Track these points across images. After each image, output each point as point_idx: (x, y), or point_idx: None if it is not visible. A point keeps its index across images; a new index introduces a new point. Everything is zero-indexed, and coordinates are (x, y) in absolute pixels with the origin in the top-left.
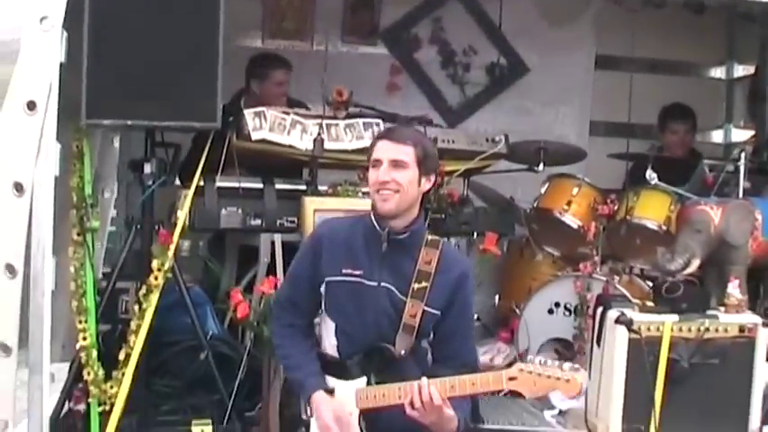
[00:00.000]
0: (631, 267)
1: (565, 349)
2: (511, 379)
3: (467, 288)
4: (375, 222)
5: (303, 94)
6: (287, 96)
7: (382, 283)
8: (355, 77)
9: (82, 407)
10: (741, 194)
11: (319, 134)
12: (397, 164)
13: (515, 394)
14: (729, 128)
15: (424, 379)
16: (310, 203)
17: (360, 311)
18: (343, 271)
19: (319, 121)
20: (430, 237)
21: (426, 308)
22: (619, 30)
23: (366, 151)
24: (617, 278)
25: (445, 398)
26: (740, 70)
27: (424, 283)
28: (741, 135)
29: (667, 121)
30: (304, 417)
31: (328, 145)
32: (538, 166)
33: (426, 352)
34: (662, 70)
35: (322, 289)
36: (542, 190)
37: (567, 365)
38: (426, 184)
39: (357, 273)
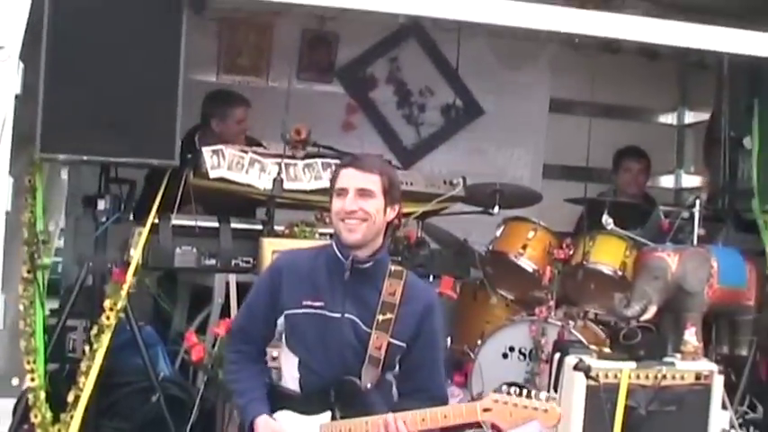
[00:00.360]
0: (586, 312)
1: None
2: (485, 410)
3: (433, 319)
4: (338, 251)
5: (257, 131)
6: (245, 135)
7: (346, 315)
8: (311, 115)
9: None
10: (695, 241)
11: (279, 174)
12: (363, 193)
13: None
14: (680, 173)
15: (391, 414)
16: (269, 245)
17: (323, 344)
18: (304, 303)
19: (278, 160)
20: (393, 267)
21: (392, 340)
22: (574, 74)
23: (325, 192)
24: (572, 323)
25: None
26: (691, 116)
27: (388, 315)
28: (691, 181)
29: (622, 160)
30: None
31: (287, 185)
32: (493, 208)
33: (391, 385)
34: (615, 115)
35: (280, 321)
36: (497, 233)
37: (543, 395)
38: (391, 214)
39: (318, 304)
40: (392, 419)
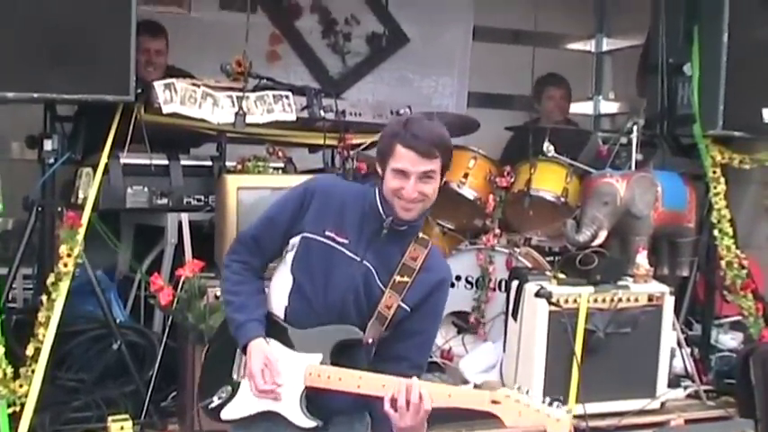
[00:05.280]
0: (528, 239)
1: (462, 322)
2: (494, 402)
3: (442, 293)
4: (380, 206)
5: (181, 63)
6: (164, 66)
7: (365, 261)
8: (234, 46)
9: None
10: (634, 166)
11: (240, 108)
12: (424, 176)
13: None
14: (599, 99)
15: (415, 379)
16: (233, 181)
17: (328, 277)
18: (326, 233)
19: (230, 93)
20: (420, 234)
21: (401, 303)
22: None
23: (275, 125)
24: (517, 250)
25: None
26: (608, 44)
27: (405, 278)
28: (609, 107)
29: (544, 87)
30: (234, 376)
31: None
32: None
33: (372, 350)
34: (535, 42)
35: (294, 240)
36: None
37: (554, 403)
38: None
39: (340, 240)
40: (416, 385)
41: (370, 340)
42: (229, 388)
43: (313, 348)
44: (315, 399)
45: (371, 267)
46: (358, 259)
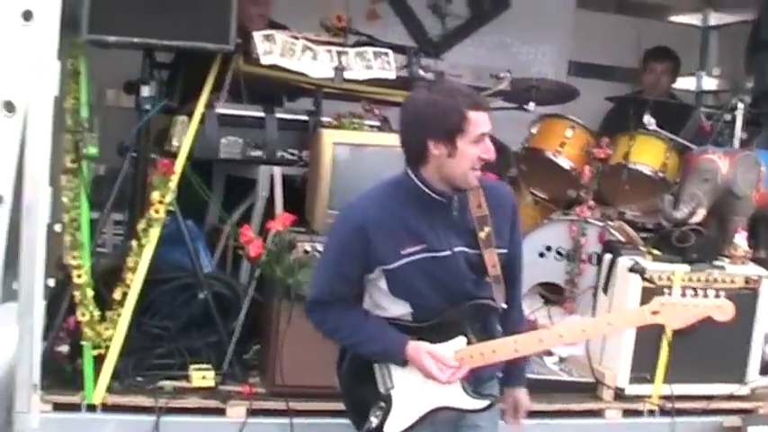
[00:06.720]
0: (621, 213)
1: (551, 293)
2: (653, 313)
3: (517, 214)
4: (432, 192)
5: (279, 18)
6: (268, 19)
7: (455, 249)
8: (334, 3)
9: (64, 348)
10: (737, 145)
11: (340, 62)
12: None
13: None
14: (701, 75)
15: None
16: (329, 136)
17: (437, 285)
18: (403, 252)
19: (330, 47)
20: None
21: (497, 251)
22: None
23: (373, 82)
24: (610, 224)
25: None
26: (715, 18)
27: (486, 229)
28: (712, 83)
29: (647, 60)
30: (382, 390)
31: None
32: (528, 104)
33: None
34: (641, 13)
35: (375, 273)
36: (533, 130)
37: (710, 292)
38: None
39: (419, 248)
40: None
41: (504, 305)
42: (382, 404)
43: (453, 334)
44: (472, 381)
45: (463, 248)
46: (449, 253)
